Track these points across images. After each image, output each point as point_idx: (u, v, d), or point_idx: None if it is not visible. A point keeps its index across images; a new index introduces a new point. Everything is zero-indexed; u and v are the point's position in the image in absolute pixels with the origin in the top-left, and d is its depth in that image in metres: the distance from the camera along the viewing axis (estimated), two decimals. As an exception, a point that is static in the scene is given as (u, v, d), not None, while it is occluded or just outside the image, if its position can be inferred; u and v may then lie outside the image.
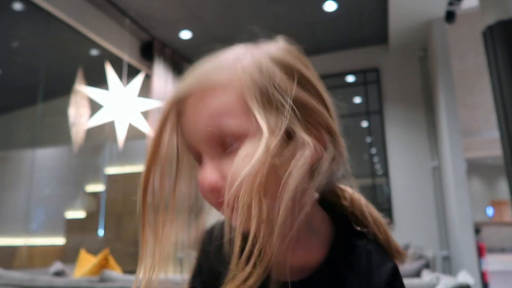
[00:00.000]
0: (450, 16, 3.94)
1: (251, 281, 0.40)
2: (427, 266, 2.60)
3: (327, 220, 0.52)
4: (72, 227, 5.26)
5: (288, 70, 0.45)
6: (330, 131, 0.46)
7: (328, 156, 0.45)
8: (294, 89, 0.44)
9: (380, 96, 4.84)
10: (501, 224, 11.76)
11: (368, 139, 4.89)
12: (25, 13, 3.92)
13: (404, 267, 2.44)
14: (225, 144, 0.43)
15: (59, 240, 5.22)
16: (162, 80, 4.55)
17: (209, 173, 0.44)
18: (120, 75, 3.66)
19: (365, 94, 4.94)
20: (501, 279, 6.51)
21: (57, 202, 5.44)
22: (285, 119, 0.42)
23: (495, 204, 12.96)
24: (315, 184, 0.44)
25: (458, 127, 3.79)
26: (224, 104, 0.43)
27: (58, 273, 2.60)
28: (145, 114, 4.06)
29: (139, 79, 3.53)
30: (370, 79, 4.93)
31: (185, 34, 4.54)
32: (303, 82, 0.46)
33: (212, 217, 0.57)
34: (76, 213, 5.32)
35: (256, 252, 0.40)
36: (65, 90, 3.89)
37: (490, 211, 13.04)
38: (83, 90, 3.38)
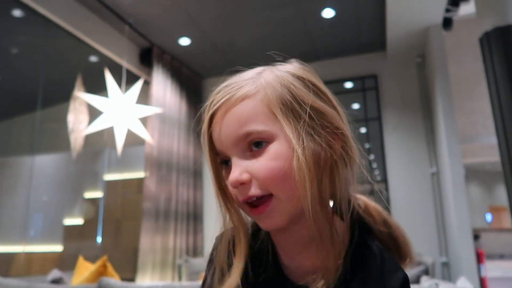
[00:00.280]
0: (447, 23, 3.97)
1: None
2: (426, 272, 2.59)
3: (343, 227, 0.55)
4: (70, 234, 5.24)
5: (304, 82, 0.53)
6: (343, 134, 0.52)
7: (342, 156, 0.52)
8: (311, 98, 0.51)
9: (378, 102, 4.85)
10: (500, 230, 11.75)
11: (367, 145, 4.90)
12: (24, 19, 3.93)
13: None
14: (250, 147, 0.50)
15: (57, 247, 5.19)
16: (161, 86, 4.56)
17: (237, 171, 0.50)
18: (119, 81, 3.67)
19: (363, 101, 4.96)
20: (500, 285, 6.49)
21: (56, 208, 5.42)
22: (305, 123, 0.49)
23: (494, 210, 12.95)
24: (336, 179, 0.51)
25: (456, 133, 3.81)
26: (252, 111, 0.50)
27: (56, 281, 2.58)
28: (144, 120, 4.07)
29: (138, 85, 3.53)
30: (368, 86, 4.95)
31: (184, 41, 4.56)
32: (317, 92, 0.53)
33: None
34: (75, 220, 5.30)
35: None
36: (64, 96, 3.89)
37: (489, 217, 13.03)
38: (82, 96, 3.38)
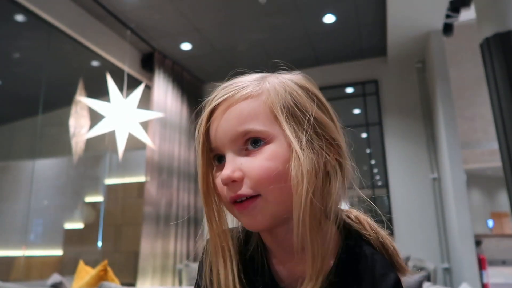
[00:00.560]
0: (447, 29, 3.98)
1: None
2: (428, 278, 2.58)
3: (334, 234, 0.55)
4: (70, 238, 5.23)
5: (307, 92, 0.54)
6: (339, 147, 0.53)
7: (336, 168, 0.52)
8: (314, 108, 0.52)
9: (379, 107, 4.86)
10: (502, 236, 11.69)
11: (368, 150, 4.90)
12: (26, 24, 3.95)
13: (405, 279, 2.42)
14: (247, 146, 0.50)
15: (58, 252, 5.18)
16: (162, 91, 4.57)
17: (230, 168, 0.50)
18: (120, 86, 3.68)
19: (364, 106, 4.97)
20: (502, 291, 6.44)
21: (56, 212, 5.41)
22: (305, 130, 0.50)
23: (495, 216, 12.91)
24: (331, 190, 0.51)
25: (457, 138, 3.80)
26: (253, 111, 0.51)
27: (56, 285, 2.57)
28: (145, 125, 4.07)
29: (139, 90, 3.54)
30: (369, 91, 4.96)
31: (186, 46, 4.57)
32: (319, 103, 0.54)
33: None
34: (75, 224, 5.29)
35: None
36: (66, 101, 3.90)
37: (491, 223, 12.99)
38: (83, 101, 3.39)
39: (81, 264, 2.94)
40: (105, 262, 2.62)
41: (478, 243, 7.57)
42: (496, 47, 2.54)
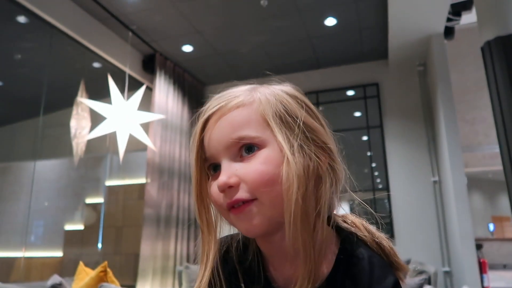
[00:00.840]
0: (449, 32, 3.99)
1: None
2: (428, 281, 2.57)
3: (330, 238, 0.56)
4: (70, 239, 5.22)
5: (296, 100, 0.56)
6: (330, 150, 0.55)
7: (328, 171, 0.54)
8: (303, 114, 0.54)
9: (380, 110, 4.86)
10: (503, 240, 11.66)
11: (368, 153, 4.89)
12: (28, 25, 3.97)
13: (406, 283, 2.41)
14: (241, 153, 0.52)
15: (58, 253, 5.18)
16: (164, 93, 4.58)
17: (226, 175, 0.51)
18: (122, 87, 3.69)
19: (365, 109, 4.96)
20: (503, 295, 6.42)
21: (56, 214, 5.41)
22: (297, 135, 0.52)
23: (496, 220, 12.87)
24: (322, 192, 0.52)
25: (458, 142, 3.80)
26: (246, 118, 0.52)
27: (55, 286, 2.57)
28: (146, 126, 4.08)
29: (140, 91, 3.55)
30: (370, 94, 4.96)
31: (187, 48, 4.58)
32: (308, 110, 0.56)
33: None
34: (75, 225, 5.29)
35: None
36: (67, 102, 3.91)
37: (492, 226, 12.95)
38: (84, 102, 3.40)
39: (81, 265, 2.94)
40: (105, 263, 2.61)
41: (479, 246, 7.55)
42: (497, 50, 2.54)
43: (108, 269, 2.60)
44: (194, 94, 5.23)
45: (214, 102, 0.55)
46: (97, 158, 5.36)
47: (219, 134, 0.53)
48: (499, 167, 2.68)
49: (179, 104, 4.88)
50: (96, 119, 3.52)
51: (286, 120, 0.53)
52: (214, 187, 0.53)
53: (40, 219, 5.40)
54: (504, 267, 10.81)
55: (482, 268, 3.92)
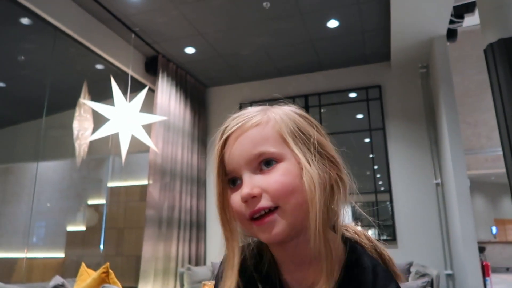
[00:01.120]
0: (451, 34, 3.98)
1: None
2: (431, 284, 2.56)
3: (339, 246, 0.61)
4: (72, 240, 5.23)
5: (306, 119, 0.62)
6: (338, 163, 0.60)
7: (337, 182, 0.59)
8: (315, 132, 0.60)
9: (382, 112, 4.85)
10: (506, 243, 11.60)
11: (371, 155, 4.88)
12: (32, 27, 3.98)
13: (408, 285, 2.41)
14: (261, 167, 0.57)
15: (59, 254, 5.18)
16: (166, 94, 4.59)
17: (249, 186, 0.55)
18: (124, 89, 3.70)
19: (367, 111, 4.96)
20: (506, 299, 6.38)
21: (58, 215, 5.42)
22: (310, 150, 0.57)
23: (499, 222, 12.82)
24: (337, 201, 0.58)
25: (460, 144, 3.79)
26: (264, 135, 0.58)
27: (57, 287, 2.57)
28: (148, 128, 4.08)
29: (143, 93, 3.56)
30: (372, 96, 4.95)
31: (189, 50, 4.59)
32: (317, 128, 0.62)
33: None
34: (77, 227, 5.30)
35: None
36: (70, 103, 3.92)
37: (494, 229, 12.89)
38: (87, 103, 3.41)
39: (83, 266, 2.94)
40: (107, 264, 2.62)
41: (481, 249, 7.51)
42: (500, 52, 2.53)
43: (110, 271, 2.60)
44: (196, 96, 5.24)
45: (233, 122, 0.60)
46: (99, 160, 5.37)
47: (241, 149, 0.57)
48: (502, 169, 2.67)
49: (181, 105, 4.88)
50: (98, 120, 3.53)
51: (300, 136, 0.58)
52: (235, 199, 0.57)
53: (42, 220, 5.41)
54: (507, 270, 10.76)
55: (485, 271, 3.90)
